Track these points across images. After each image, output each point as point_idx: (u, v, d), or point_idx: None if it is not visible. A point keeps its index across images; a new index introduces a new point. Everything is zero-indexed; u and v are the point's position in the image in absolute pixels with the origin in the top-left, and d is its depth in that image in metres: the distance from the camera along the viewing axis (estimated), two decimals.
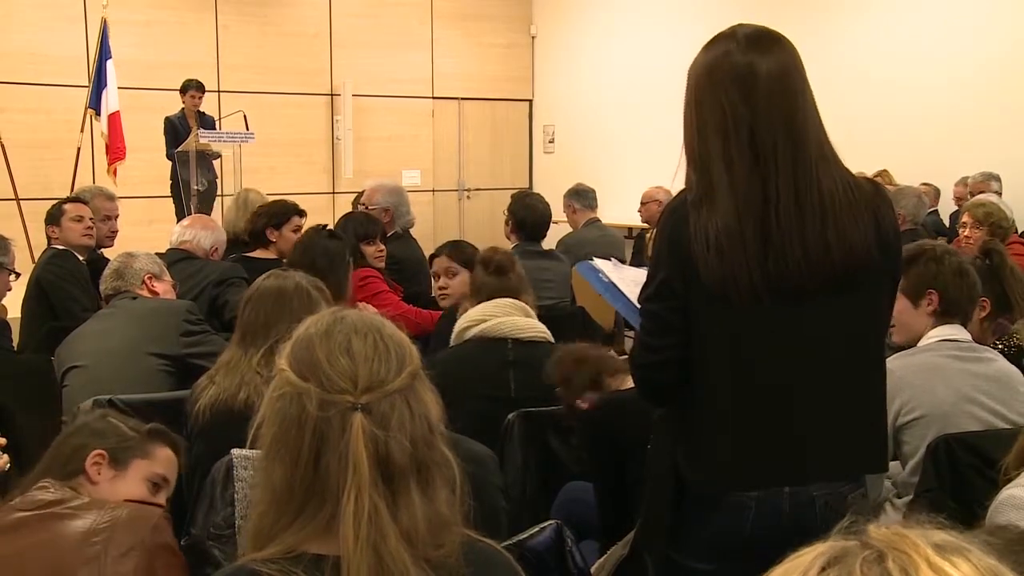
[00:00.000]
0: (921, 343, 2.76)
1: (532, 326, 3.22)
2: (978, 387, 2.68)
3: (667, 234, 1.82)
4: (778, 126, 1.76)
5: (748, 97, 1.76)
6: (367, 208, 5.25)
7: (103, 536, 1.76)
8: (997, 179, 7.32)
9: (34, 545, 1.78)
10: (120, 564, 1.73)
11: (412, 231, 5.53)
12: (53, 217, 4.68)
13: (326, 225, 4.13)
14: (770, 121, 1.75)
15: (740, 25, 1.85)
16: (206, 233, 4.58)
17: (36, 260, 4.73)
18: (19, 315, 4.51)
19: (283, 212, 4.80)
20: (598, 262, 2.40)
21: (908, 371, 2.66)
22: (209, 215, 8.40)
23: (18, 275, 4.24)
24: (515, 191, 6.10)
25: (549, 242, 5.47)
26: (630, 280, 2.24)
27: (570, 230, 6.36)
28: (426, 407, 1.27)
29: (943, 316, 2.76)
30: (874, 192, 1.84)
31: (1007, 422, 2.66)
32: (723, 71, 1.78)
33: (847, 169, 1.84)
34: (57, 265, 4.45)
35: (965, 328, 2.79)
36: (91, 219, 4.70)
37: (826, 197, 1.76)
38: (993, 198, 5.97)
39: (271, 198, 5.20)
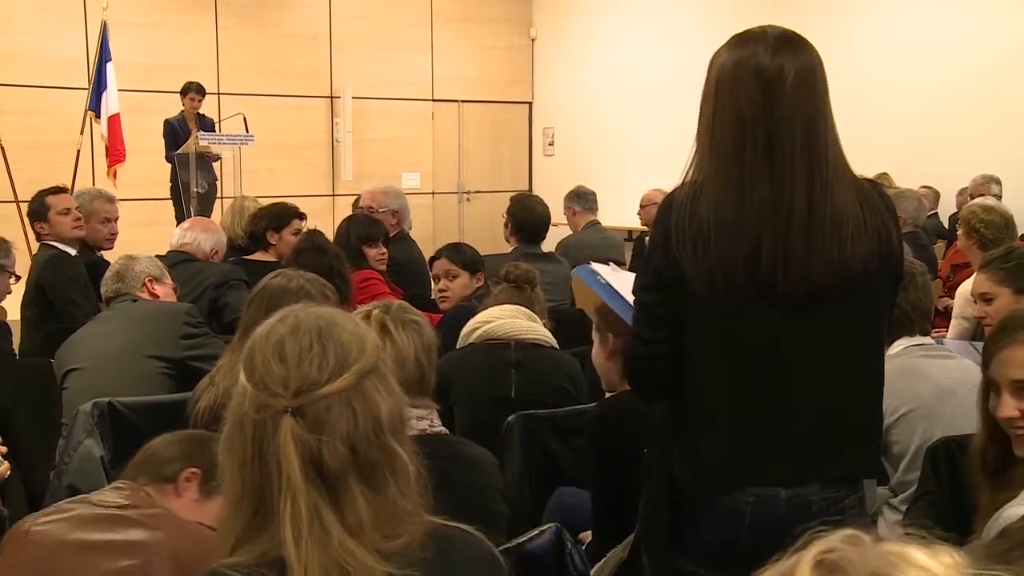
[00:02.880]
0: (888, 352, 2.80)
1: (535, 329, 3.23)
2: (954, 378, 2.77)
3: (662, 226, 1.81)
4: (798, 132, 1.75)
5: (770, 99, 1.75)
6: (375, 211, 5.24)
7: (168, 551, 1.78)
8: (997, 182, 7.32)
9: (104, 545, 1.79)
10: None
11: (412, 233, 5.53)
12: (38, 213, 4.54)
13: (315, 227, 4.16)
14: (791, 126, 1.75)
15: (769, 26, 1.83)
16: (206, 235, 4.58)
17: (32, 260, 4.66)
18: (19, 317, 4.50)
19: (283, 215, 4.80)
20: (595, 266, 2.41)
21: (885, 376, 2.68)
22: (209, 217, 8.42)
23: (18, 277, 4.23)
24: (515, 193, 6.10)
25: (549, 244, 5.47)
26: (626, 283, 2.26)
27: (569, 233, 6.36)
28: (375, 406, 1.25)
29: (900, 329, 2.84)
30: (883, 204, 1.83)
31: None
32: (748, 70, 1.77)
33: (859, 179, 1.83)
34: (56, 268, 4.42)
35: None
36: (76, 208, 4.62)
37: (839, 211, 1.75)
38: (992, 200, 5.97)
39: (270, 201, 5.19)
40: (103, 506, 1.88)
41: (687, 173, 1.83)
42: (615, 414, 2.53)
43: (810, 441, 1.81)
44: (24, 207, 8.24)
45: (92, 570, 1.76)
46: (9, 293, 4.19)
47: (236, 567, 1.21)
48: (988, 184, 7.26)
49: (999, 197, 6.96)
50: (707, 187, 1.77)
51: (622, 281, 2.29)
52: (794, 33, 1.83)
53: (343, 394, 1.23)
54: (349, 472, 1.22)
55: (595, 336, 2.56)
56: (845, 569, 0.74)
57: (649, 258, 1.87)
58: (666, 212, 1.81)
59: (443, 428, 2.21)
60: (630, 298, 2.13)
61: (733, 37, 1.85)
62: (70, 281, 4.37)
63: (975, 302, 3.39)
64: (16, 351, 4.20)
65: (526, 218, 5.12)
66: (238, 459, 1.24)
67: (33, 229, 4.63)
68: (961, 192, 7.58)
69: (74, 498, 1.93)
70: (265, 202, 5.18)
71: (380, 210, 5.26)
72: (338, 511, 1.20)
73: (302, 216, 4.85)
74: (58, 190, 4.70)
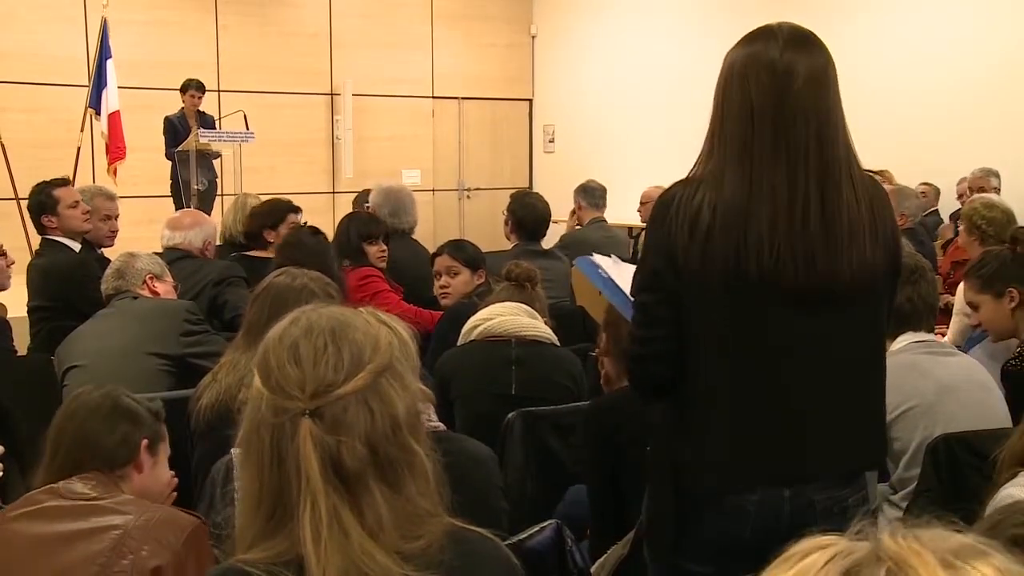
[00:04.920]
0: (892, 348, 2.81)
1: (536, 326, 3.23)
2: (956, 376, 2.76)
3: (659, 224, 1.80)
4: (811, 129, 1.75)
5: (781, 95, 1.74)
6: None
7: (142, 533, 1.81)
8: (996, 175, 7.32)
9: (76, 533, 1.82)
10: (156, 561, 1.78)
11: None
12: (45, 206, 4.48)
13: (307, 223, 4.10)
14: (804, 123, 1.74)
15: (784, 23, 1.83)
16: (195, 231, 4.53)
17: (40, 253, 4.58)
18: (20, 315, 4.49)
19: (278, 211, 4.79)
20: (598, 258, 2.40)
21: (887, 372, 2.69)
22: (209, 215, 8.40)
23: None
24: (515, 191, 6.09)
25: (549, 242, 5.46)
26: (628, 278, 2.24)
27: (572, 229, 6.35)
28: (391, 404, 1.25)
29: (906, 323, 2.82)
30: (888, 206, 1.84)
31: (989, 408, 2.72)
32: (759, 66, 1.76)
33: (869, 179, 1.83)
34: (84, 268, 4.35)
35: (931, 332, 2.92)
36: (83, 200, 4.59)
37: (853, 211, 1.75)
38: (994, 197, 5.97)
39: (270, 198, 5.17)
40: (72, 497, 1.90)
41: (695, 167, 1.83)
42: (609, 411, 2.53)
43: (813, 440, 1.81)
44: (24, 204, 8.30)
45: (65, 558, 1.80)
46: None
47: (254, 564, 1.21)
48: (988, 177, 7.26)
49: (998, 190, 6.98)
50: (712, 178, 1.76)
51: (624, 274, 2.27)
52: (808, 31, 1.82)
53: (359, 394, 1.23)
54: (368, 472, 1.22)
55: (604, 332, 2.56)
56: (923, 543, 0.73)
57: (646, 257, 1.86)
58: (664, 208, 1.80)
59: (440, 424, 2.21)
60: (629, 292, 2.12)
61: (747, 33, 1.84)
62: (94, 279, 4.30)
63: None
64: (21, 348, 4.19)
65: (526, 216, 5.10)
66: (255, 463, 1.25)
67: (38, 222, 4.55)
68: (961, 181, 7.58)
69: (42, 489, 1.94)
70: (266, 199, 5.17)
71: (365, 206, 5.28)
72: (358, 513, 1.21)
73: (297, 210, 4.84)
74: (64, 182, 4.64)
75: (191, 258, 4.43)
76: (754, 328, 1.77)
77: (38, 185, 4.63)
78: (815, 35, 1.82)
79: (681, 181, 1.82)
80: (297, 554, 1.20)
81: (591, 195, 6.30)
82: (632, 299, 1.94)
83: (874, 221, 1.77)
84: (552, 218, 5.30)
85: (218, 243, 5.28)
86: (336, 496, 1.20)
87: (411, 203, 5.26)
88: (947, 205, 7.90)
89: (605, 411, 2.54)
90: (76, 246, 4.51)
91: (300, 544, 1.19)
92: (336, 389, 1.23)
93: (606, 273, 2.32)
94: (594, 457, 2.52)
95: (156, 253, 4.03)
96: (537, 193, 5.72)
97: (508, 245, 5.26)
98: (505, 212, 5.24)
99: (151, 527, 1.83)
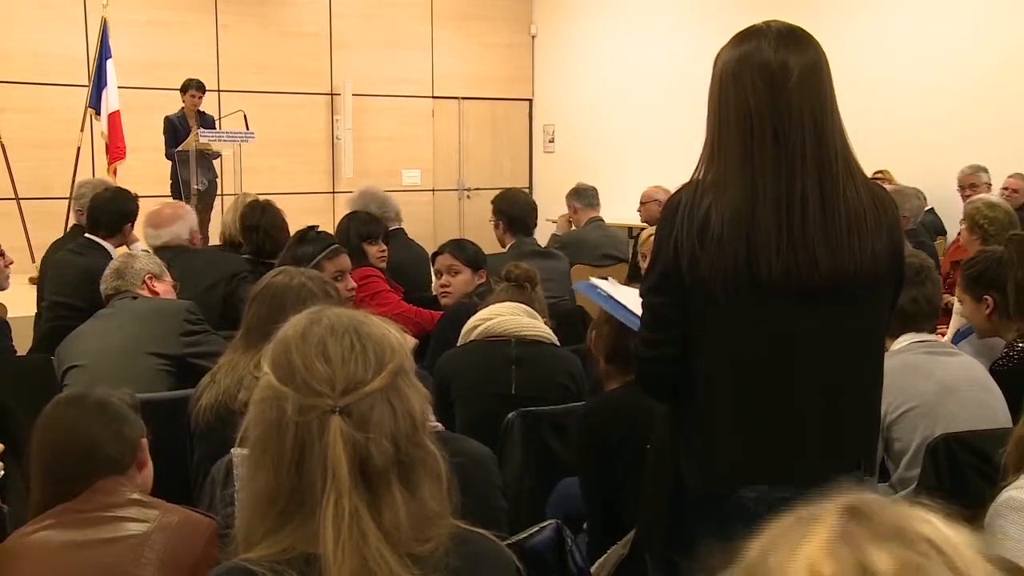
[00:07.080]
0: (892, 348, 2.81)
1: (536, 326, 3.23)
2: (958, 376, 2.76)
3: (668, 226, 1.81)
4: (807, 126, 1.75)
5: (776, 94, 1.75)
6: None
7: (162, 539, 1.85)
8: (985, 170, 7.36)
9: (99, 542, 1.85)
10: (173, 569, 1.81)
11: (411, 232, 5.49)
12: (133, 215, 4.64)
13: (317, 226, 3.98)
14: (799, 120, 1.75)
15: (773, 21, 1.83)
16: (179, 224, 4.51)
17: (79, 252, 4.55)
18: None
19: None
20: (595, 280, 2.45)
21: (888, 373, 2.69)
22: (209, 215, 8.41)
23: None
24: (499, 191, 6.08)
25: (542, 240, 5.43)
26: (626, 295, 2.28)
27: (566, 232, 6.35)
28: (409, 404, 1.27)
29: (910, 324, 2.84)
30: (890, 200, 1.85)
31: (990, 408, 2.72)
32: (753, 65, 1.77)
33: (866, 175, 1.84)
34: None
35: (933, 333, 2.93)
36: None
37: (852, 205, 1.76)
38: (995, 197, 5.96)
39: (270, 198, 5.15)
40: (87, 510, 1.91)
41: (696, 171, 1.83)
42: (601, 414, 2.54)
43: (813, 439, 1.81)
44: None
45: (90, 562, 1.82)
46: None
47: (257, 563, 1.21)
48: (977, 173, 7.30)
49: (989, 186, 7.02)
50: (716, 184, 1.77)
51: (623, 293, 2.31)
52: (798, 28, 1.83)
53: (383, 392, 1.25)
54: (392, 471, 1.23)
55: (591, 332, 2.57)
56: (871, 518, 0.75)
57: (655, 259, 1.86)
58: (671, 212, 1.81)
59: (439, 424, 2.21)
60: (631, 304, 2.14)
61: (737, 34, 1.85)
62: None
63: None
64: (21, 348, 4.18)
65: (515, 210, 5.11)
66: (273, 462, 1.24)
67: (109, 225, 4.59)
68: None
69: (57, 508, 1.94)
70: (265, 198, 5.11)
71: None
72: (376, 514, 1.21)
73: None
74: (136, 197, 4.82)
75: (193, 252, 4.43)
76: (757, 329, 1.78)
77: (126, 191, 4.81)
78: (806, 31, 1.83)
79: (686, 185, 1.83)
80: (302, 551, 1.21)
81: (584, 196, 6.31)
82: (636, 311, 1.95)
83: (876, 208, 1.78)
84: (545, 217, 5.28)
85: (217, 243, 5.28)
86: (358, 496, 1.20)
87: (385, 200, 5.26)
88: (946, 203, 7.89)
89: (597, 414, 2.56)
90: (114, 251, 4.52)
91: (310, 542, 1.20)
92: (365, 386, 1.24)
93: (605, 292, 2.35)
94: (588, 460, 2.53)
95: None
96: (516, 188, 5.70)
97: (504, 249, 5.24)
98: (492, 217, 5.23)
99: (173, 530, 1.86)
